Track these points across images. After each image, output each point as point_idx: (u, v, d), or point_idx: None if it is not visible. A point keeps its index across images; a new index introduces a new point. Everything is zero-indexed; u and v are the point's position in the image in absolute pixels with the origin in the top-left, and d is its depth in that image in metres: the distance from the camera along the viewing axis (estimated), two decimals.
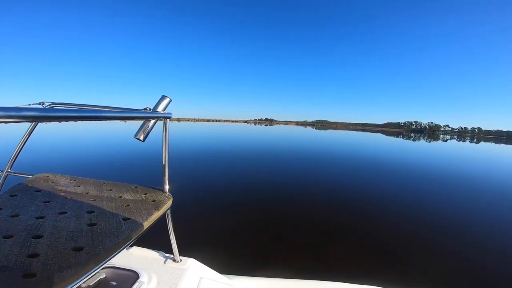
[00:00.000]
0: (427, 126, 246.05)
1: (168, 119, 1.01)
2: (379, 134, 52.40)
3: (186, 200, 4.20)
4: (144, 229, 0.74)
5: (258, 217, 3.78)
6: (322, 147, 16.32)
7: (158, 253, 1.28)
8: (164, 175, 1.05)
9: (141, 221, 0.75)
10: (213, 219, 3.63)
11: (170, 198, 1.00)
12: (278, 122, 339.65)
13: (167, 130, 1.02)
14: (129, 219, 0.76)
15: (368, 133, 61.39)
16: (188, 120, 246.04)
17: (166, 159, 1.04)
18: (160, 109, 1.01)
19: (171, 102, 1.05)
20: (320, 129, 70.83)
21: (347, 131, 63.37)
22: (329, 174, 7.50)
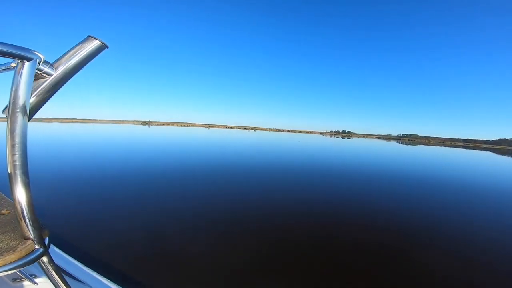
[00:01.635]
0: None
1: (24, 62, 0.43)
2: (488, 153, 43.80)
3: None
4: None
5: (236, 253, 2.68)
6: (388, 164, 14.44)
7: None
8: (13, 182, 0.48)
9: None
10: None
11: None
12: (356, 135, 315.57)
13: (21, 84, 0.43)
14: None
15: (471, 150, 51.78)
16: (263, 130, 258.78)
17: (17, 156, 0.47)
18: (74, 60, 0.52)
19: (106, 49, 0.56)
20: (407, 144, 63.67)
21: (442, 147, 54.49)
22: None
